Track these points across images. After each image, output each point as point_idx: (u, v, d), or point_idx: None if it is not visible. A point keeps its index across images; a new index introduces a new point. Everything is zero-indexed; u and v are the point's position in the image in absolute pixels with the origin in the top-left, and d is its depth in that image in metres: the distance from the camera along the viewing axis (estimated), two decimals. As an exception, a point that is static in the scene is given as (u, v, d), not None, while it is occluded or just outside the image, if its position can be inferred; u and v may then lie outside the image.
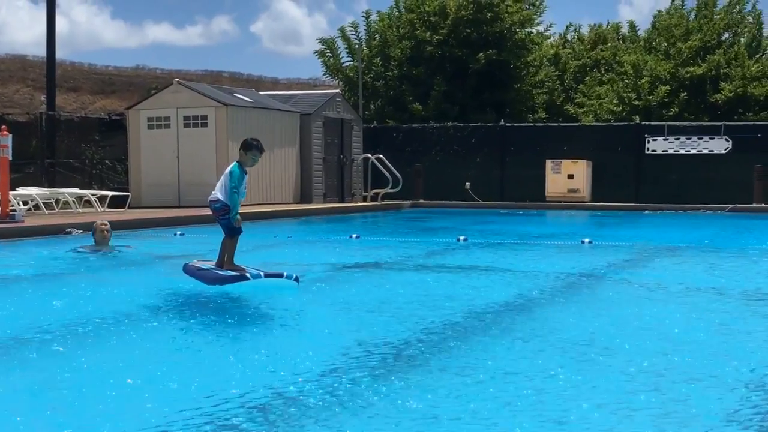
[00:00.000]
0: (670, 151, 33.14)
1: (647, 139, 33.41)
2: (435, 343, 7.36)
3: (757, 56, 41.57)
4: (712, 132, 33.03)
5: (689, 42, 40.41)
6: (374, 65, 40.65)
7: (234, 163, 10.51)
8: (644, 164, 33.41)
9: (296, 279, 10.33)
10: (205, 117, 27.47)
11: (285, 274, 10.16)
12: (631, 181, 33.36)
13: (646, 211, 30.03)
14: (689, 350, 7.07)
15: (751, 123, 34.50)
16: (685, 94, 39.33)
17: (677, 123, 34.90)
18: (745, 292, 10.51)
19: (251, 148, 10.52)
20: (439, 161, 35.25)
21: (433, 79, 39.15)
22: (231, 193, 10.29)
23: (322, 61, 42.80)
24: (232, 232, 10.50)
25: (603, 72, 45.20)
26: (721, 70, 39.70)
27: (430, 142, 35.77)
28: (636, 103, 39.90)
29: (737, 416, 5.27)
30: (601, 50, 46.57)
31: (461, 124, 36.19)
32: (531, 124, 37.50)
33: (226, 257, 10.47)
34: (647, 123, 34.97)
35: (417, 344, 7.31)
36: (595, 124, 38.00)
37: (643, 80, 39.93)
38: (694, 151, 32.98)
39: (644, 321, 8.52)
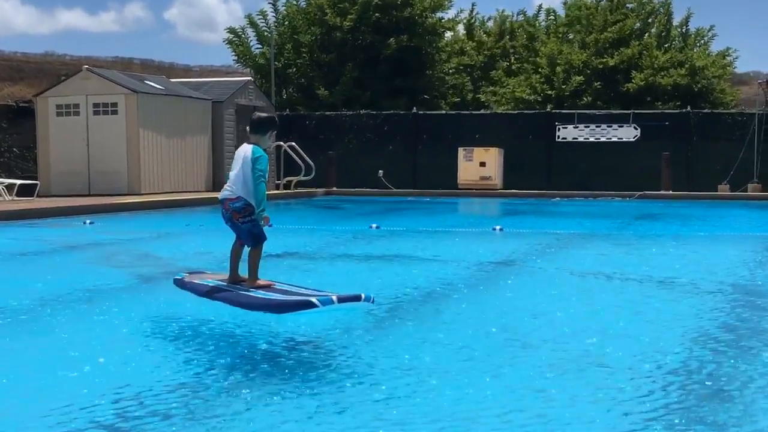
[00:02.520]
0: (581, 139, 33.53)
1: (558, 127, 33.76)
2: (345, 332, 7.36)
3: (666, 46, 42.26)
4: (621, 120, 33.49)
5: (605, 33, 40.90)
6: (285, 51, 40.42)
7: (251, 147, 8.05)
8: (555, 152, 33.75)
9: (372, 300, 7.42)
10: (115, 104, 27.13)
11: (363, 295, 7.11)
12: (543, 169, 33.68)
13: (557, 198, 30.35)
14: (597, 335, 7.16)
15: (659, 111, 35.05)
16: (599, 83, 39.83)
17: (587, 111, 35.31)
18: (646, 277, 10.67)
19: (269, 125, 8.23)
20: (352, 149, 35.24)
21: (344, 66, 39.07)
22: (258, 183, 7.89)
23: (232, 50, 42.50)
24: (257, 240, 8.06)
25: (513, 61, 45.55)
26: (634, 60, 40.29)
27: (342, 130, 35.74)
28: (549, 92, 40.28)
29: (645, 399, 5.36)
30: (510, 40, 46.89)
31: (374, 112, 36.20)
32: (443, 112, 37.67)
33: (250, 272, 8.05)
34: (558, 111, 35.32)
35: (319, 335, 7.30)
36: (506, 112, 38.26)
37: (558, 69, 40.32)
38: (603, 139, 33.39)
39: (552, 306, 8.62)
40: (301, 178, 31.86)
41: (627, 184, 31.35)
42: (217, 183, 30.05)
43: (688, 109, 33.86)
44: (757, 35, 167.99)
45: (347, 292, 7.09)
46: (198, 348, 6.86)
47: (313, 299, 6.97)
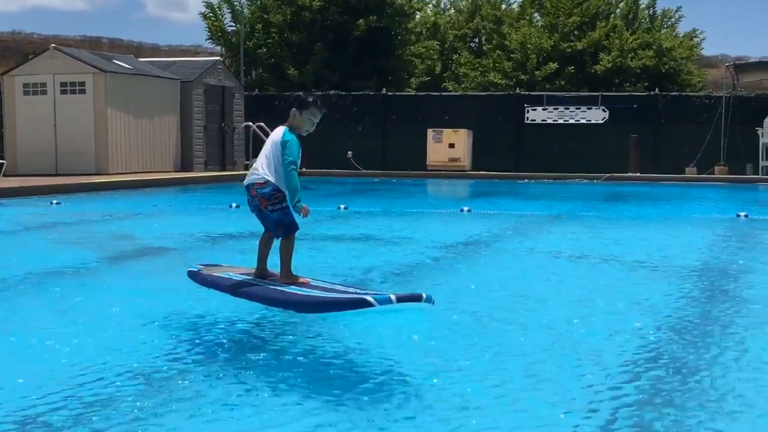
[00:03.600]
0: (549, 121, 33.64)
1: (527, 109, 33.85)
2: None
3: (634, 28, 42.42)
4: (590, 102, 33.63)
5: (572, 17, 41.02)
6: (256, 32, 40.25)
7: (283, 128, 7.37)
8: (524, 134, 33.85)
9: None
10: (82, 84, 26.97)
11: (424, 295, 6.57)
12: (511, 151, 33.76)
13: (526, 180, 30.45)
14: (563, 314, 7.22)
15: (627, 94, 35.21)
16: (572, 67, 39.96)
17: (556, 93, 35.43)
18: (612, 258, 10.74)
19: (308, 105, 7.42)
20: (321, 130, 34.54)
21: (314, 46, 38.96)
22: (289, 172, 7.14)
23: (206, 25, 42.26)
24: (289, 230, 7.31)
25: (484, 42, 45.61)
26: (602, 42, 40.43)
27: (312, 111, 35.58)
28: (522, 77, 40.36)
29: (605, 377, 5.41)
30: (481, 20, 46.93)
31: (343, 93, 36.15)
32: (413, 94, 37.68)
33: (283, 267, 7.30)
34: (527, 93, 35.41)
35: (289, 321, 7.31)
36: (476, 93, 38.31)
37: (531, 56, 40.39)
38: (572, 121, 33.52)
39: (519, 285, 8.67)
40: (270, 158, 31.73)
41: (595, 166, 31.50)
42: (185, 163, 29.97)
43: (656, 91, 34.04)
44: (726, 19, 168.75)
45: (406, 291, 6.64)
46: (177, 330, 6.86)
47: (369, 298, 6.38)
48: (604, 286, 8.91)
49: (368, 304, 6.35)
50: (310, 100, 7.44)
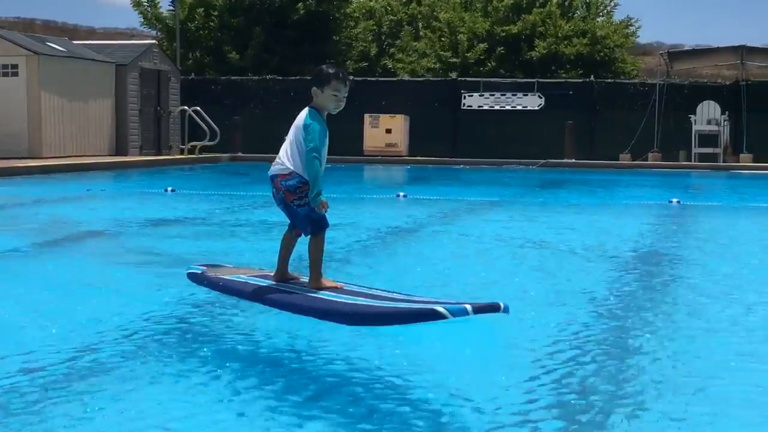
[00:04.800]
0: (486, 107, 33.76)
1: (463, 94, 33.96)
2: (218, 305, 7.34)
3: (569, 15, 42.72)
4: (526, 89, 33.81)
5: (505, 1, 41.21)
6: (196, 15, 39.90)
7: (306, 110, 6.42)
8: (461, 120, 33.94)
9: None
10: (15, 66, 26.58)
11: (502, 305, 5.23)
12: (448, 137, 33.83)
13: (462, 166, 30.55)
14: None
15: (563, 80, 35.45)
16: (502, 49, 40.14)
17: (493, 79, 35.58)
18: (545, 243, 10.81)
19: (328, 79, 6.34)
20: (258, 114, 35.01)
21: (253, 30, 38.77)
22: (310, 160, 6.22)
23: (138, 11, 41.88)
24: (319, 227, 6.37)
25: (420, 27, 45.67)
26: (537, 29, 40.68)
27: (248, 95, 35.50)
28: (453, 60, 40.46)
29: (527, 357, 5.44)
30: (418, 5, 46.98)
31: (280, 77, 36.03)
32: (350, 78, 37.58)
33: (312, 269, 6.33)
34: (464, 79, 35.52)
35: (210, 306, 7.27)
36: (412, 79, 38.36)
37: (462, 37, 40.52)
38: (508, 107, 33.67)
39: (454, 270, 8.70)
40: (206, 143, 31.57)
41: (531, 152, 31.67)
42: (120, 147, 29.68)
43: (591, 78, 34.31)
44: (661, 7, 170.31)
45: (482, 300, 5.52)
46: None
47: (441, 308, 5.20)
48: (536, 272, 8.96)
49: (439, 316, 5.18)
50: (331, 72, 6.34)
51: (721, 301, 7.52)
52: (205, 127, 31.42)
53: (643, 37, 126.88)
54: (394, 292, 6.18)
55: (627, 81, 36.52)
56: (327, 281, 6.28)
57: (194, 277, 6.98)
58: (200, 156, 31.45)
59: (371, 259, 9.68)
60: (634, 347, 5.91)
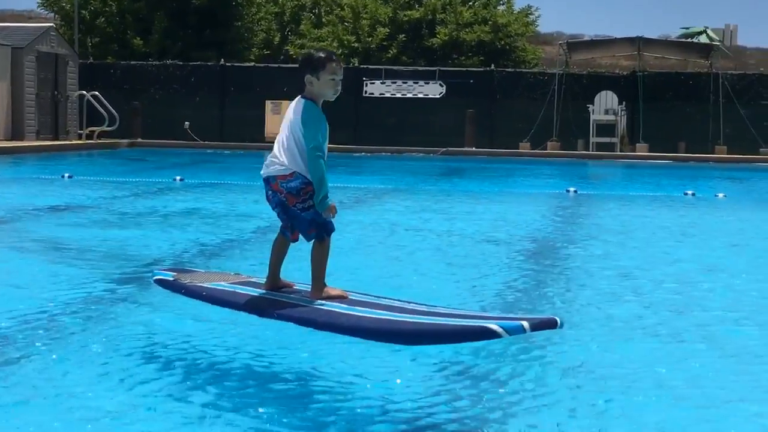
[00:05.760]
0: (387, 95, 33.86)
1: (365, 82, 34.00)
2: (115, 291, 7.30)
3: (470, 3, 42.98)
4: (428, 77, 33.97)
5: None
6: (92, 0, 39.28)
7: (301, 101, 5.67)
8: (362, 107, 33.96)
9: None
10: None
11: (558, 320, 4.47)
12: (350, 124, 33.80)
13: (363, 154, 30.59)
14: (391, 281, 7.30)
15: (465, 69, 35.69)
16: (404, 36, 40.25)
17: (394, 67, 35.67)
18: (445, 232, 10.92)
19: (323, 63, 5.65)
20: (158, 100, 34.66)
21: (155, 15, 38.33)
22: (314, 160, 5.48)
23: (35, -6, 41.14)
24: (324, 230, 5.56)
25: (323, 14, 45.58)
26: (438, 15, 40.87)
27: (149, 81, 35.11)
28: (355, 45, 40.48)
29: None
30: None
31: (181, 63, 35.72)
32: (251, 65, 37.40)
33: (315, 278, 5.54)
34: (365, 66, 35.55)
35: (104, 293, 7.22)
36: (315, 66, 38.19)
37: (363, 22, 40.55)
38: (410, 95, 33.81)
39: (351, 259, 8.73)
40: (105, 128, 31.11)
41: (432, 140, 31.85)
42: (16, 131, 29.13)
43: (492, 67, 34.58)
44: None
45: (536, 314, 5.31)
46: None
47: (494, 326, 4.43)
48: (434, 260, 9.03)
49: (493, 334, 4.45)
50: (323, 55, 5.70)
51: (613, 286, 7.69)
52: (104, 113, 30.99)
53: (544, 27, 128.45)
54: (411, 302, 5.46)
55: (527, 70, 36.94)
56: (332, 290, 5.52)
57: (166, 285, 6.07)
58: (99, 141, 31.01)
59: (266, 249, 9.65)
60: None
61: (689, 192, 16.92)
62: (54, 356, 5.32)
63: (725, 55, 37.03)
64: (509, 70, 35.82)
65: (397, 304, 5.36)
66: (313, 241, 5.54)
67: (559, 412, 4.55)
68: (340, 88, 5.70)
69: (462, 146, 31.75)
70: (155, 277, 6.19)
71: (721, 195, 17.03)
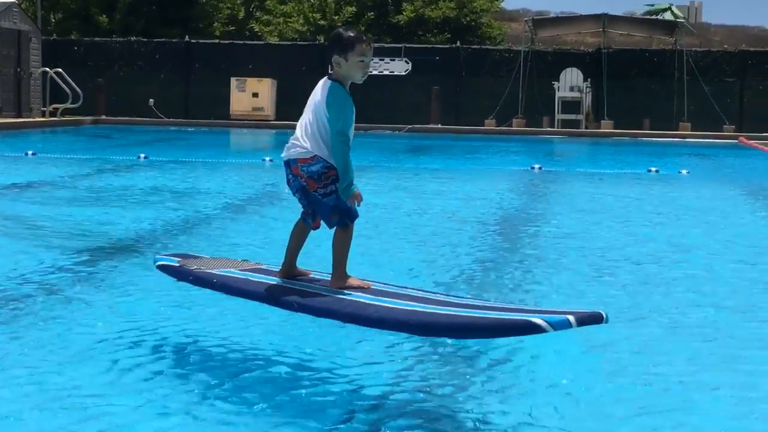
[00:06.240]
0: (353, 72, 33.73)
1: (331, 59, 33.87)
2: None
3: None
4: (393, 54, 33.90)
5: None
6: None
7: (327, 83, 5.39)
8: (328, 84, 33.83)
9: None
10: None
11: (604, 314, 4.32)
12: (316, 101, 33.73)
13: (329, 131, 30.47)
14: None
15: (430, 46, 35.66)
16: (372, 14, 40.15)
17: (360, 44, 35.51)
18: (414, 211, 10.94)
19: (352, 43, 5.33)
20: (123, 77, 34.44)
21: (119, -9, 38.06)
22: (338, 145, 5.24)
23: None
24: (346, 217, 5.32)
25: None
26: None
27: (113, 57, 34.86)
28: (321, 22, 40.33)
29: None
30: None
31: (145, 39, 35.49)
32: (216, 42, 37.18)
33: (337, 267, 5.32)
34: (331, 44, 35.40)
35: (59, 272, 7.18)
36: (280, 43, 38.11)
37: (329, 1, 40.42)
38: (376, 72, 33.68)
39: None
40: (69, 105, 30.89)
41: (398, 117, 31.83)
42: (-22, 110, 28.89)
43: (458, 44, 34.57)
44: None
45: (582, 308, 5.01)
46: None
47: (538, 320, 4.23)
48: (403, 238, 9.05)
49: (537, 329, 4.24)
50: (352, 35, 5.35)
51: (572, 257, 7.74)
52: (68, 90, 30.75)
53: (509, 3, 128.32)
54: (437, 293, 5.34)
55: (492, 47, 36.92)
56: (354, 279, 5.29)
57: (171, 271, 5.78)
58: (62, 119, 30.77)
59: (237, 225, 9.65)
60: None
61: (653, 169, 17.01)
62: (11, 335, 5.30)
63: (690, 32, 37.25)
64: (475, 47, 35.78)
65: (421, 294, 5.17)
66: (335, 227, 5.31)
67: (529, 396, 4.57)
68: (369, 70, 5.46)
69: (428, 123, 31.76)
70: (158, 263, 5.89)
71: (684, 172, 17.15)
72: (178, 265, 5.74)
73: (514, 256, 8.22)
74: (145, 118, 32.63)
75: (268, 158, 17.47)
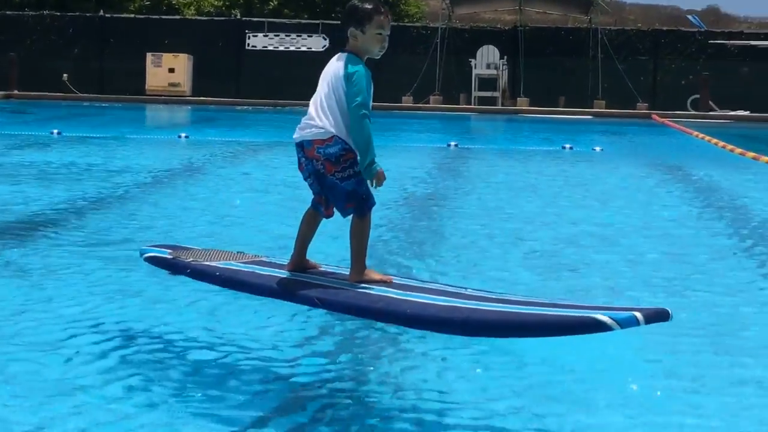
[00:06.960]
0: (270, 48, 33.63)
1: (248, 35, 33.72)
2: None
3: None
4: (311, 30, 33.82)
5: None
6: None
7: (344, 56, 5.02)
8: (245, 61, 33.73)
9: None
10: None
11: (669, 311, 3.90)
12: (232, 77, 33.59)
13: (246, 107, 30.41)
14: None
15: (346, 22, 35.57)
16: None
17: (277, 20, 35.41)
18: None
19: (370, 15, 4.99)
20: (35, 51, 33.93)
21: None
22: (359, 119, 4.85)
23: None
24: (364, 204, 4.88)
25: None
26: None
27: (25, 31, 34.33)
28: (239, -1, 40.06)
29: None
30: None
31: (58, 14, 34.97)
32: (131, 16, 36.76)
33: (356, 259, 4.85)
34: (248, 19, 35.25)
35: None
36: (196, 18, 37.80)
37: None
38: (293, 48, 33.63)
39: (233, 209, 8.74)
40: (-20, 80, 30.42)
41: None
42: None
43: (375, 20, 34.50)
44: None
45: (648, 304, 4.71)
46: None
47: (603, 317, 3.83)
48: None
49: (603, 326, 3.84)
50: (369, 6, 4.97)
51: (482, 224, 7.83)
52: (-22, 64, 30.25)
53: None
54: (467, 288, 4.88)
55: (410, 24, 37.02)
56: (374, 273, 4.88)
57: (163, 263, 5.32)
58: (-27, 94, 30.28)
59: (153, 200, 9.59)
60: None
61: (567, 146, 17.20)
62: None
63: (604, 11, 37.64)
64: (392, 23, 35.70)
65: (451, 289, 4.77)
66: (351, 216, 4.88)
67: (450, 376, 4.61)
68: (387, 44, 5.07)
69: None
70: (146, 255, 5.40)
71: (598, 149, 17.37)
72: (170, 257, 5.27)
73: (428, 237, 8.23)
74: (58, 93, 32.19)
75: (183, 135, 17.36)
